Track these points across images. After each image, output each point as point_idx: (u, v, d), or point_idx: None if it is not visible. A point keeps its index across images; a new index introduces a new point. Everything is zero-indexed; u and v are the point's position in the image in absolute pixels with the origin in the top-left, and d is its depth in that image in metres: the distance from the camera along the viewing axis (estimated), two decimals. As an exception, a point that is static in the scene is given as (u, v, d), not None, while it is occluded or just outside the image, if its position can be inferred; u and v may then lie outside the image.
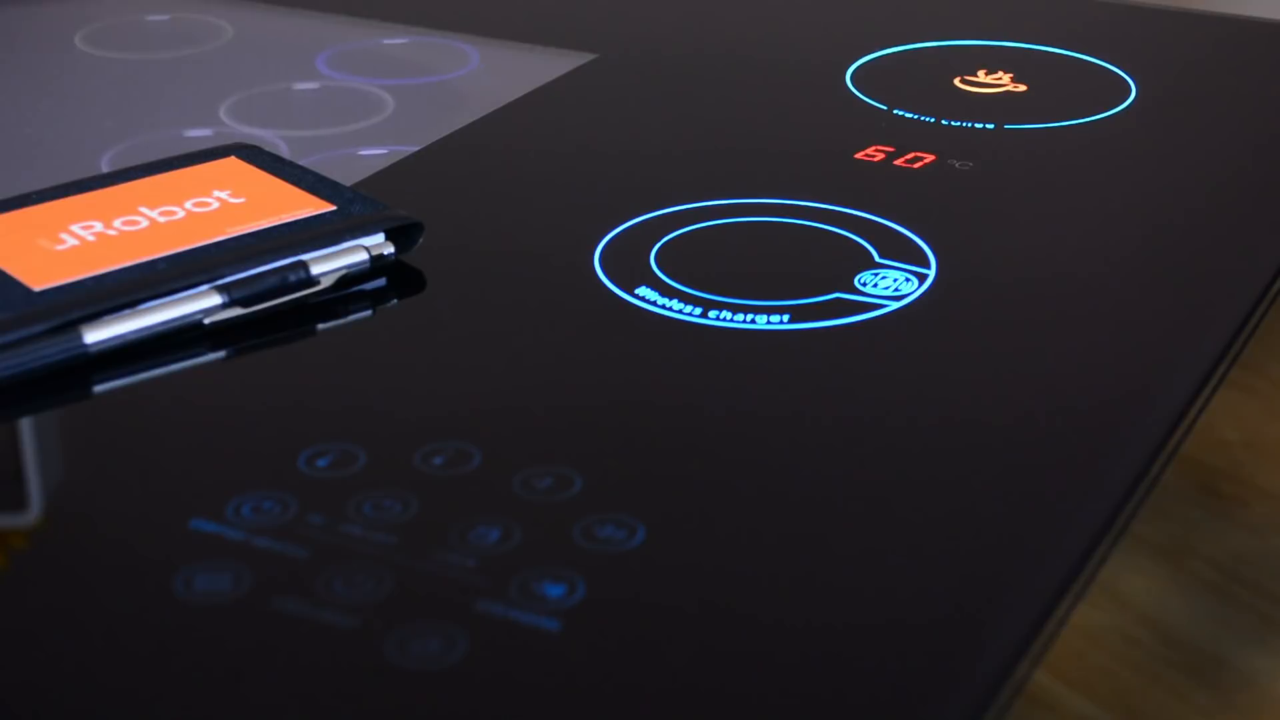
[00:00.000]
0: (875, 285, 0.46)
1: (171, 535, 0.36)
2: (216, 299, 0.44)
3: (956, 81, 0.62)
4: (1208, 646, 0.39)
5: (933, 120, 0.58)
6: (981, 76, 0.62)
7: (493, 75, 0.64)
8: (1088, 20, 0.70)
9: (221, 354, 0.44)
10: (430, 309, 0.46)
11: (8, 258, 0.44)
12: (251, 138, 0.57)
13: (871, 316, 0.45)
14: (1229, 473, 0.46)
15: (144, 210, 0.47)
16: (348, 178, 0.51)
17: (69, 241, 0.45)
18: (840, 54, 0.65)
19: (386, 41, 0.69)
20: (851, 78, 0.63)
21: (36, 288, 0.43)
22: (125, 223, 0.46)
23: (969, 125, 0.58)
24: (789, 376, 0.43)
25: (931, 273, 0.47)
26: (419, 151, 0.56)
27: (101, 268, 0.44)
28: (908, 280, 0.46)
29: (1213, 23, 0.70)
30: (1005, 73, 0.63)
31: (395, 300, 0.47)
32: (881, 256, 0.48)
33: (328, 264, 0.45)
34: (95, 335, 0.42)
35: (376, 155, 0.56)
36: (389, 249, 0.47)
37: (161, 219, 0.46)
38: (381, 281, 0.47)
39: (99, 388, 0.42)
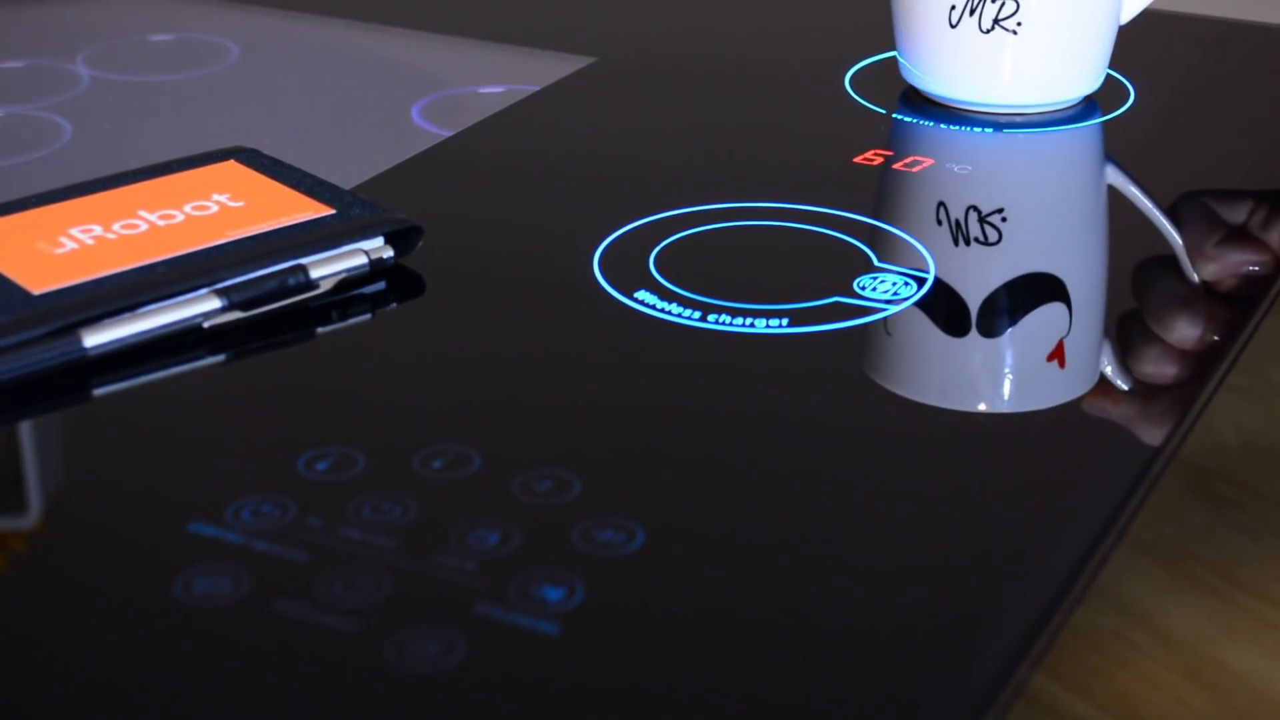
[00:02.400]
0: (874, 289, 0.46)
1: (171, 538, 0.36)
2: (216, 302, 0.44)
3: (955, 86, 0.62)
4: (1206, 649, 0.39)
5: (931, 124, 0.58)
6: (980, 81, 0.62)
7: (493, 79, 0.64)
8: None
9: (221, 357, 0.44)
10: (429, 312, 0.46)
11: (7, 261, 0.44)
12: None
13: (870, 320, 0.45)
14: (1228, 476, 0.46)
15: (143, 214, 0.47)
16: (345, 182, 0.51)
17: (68, 245, 0.45)
18: (839, 58, 0.65)
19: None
20: (850, 81, 0.63)
21: (36, 291, 0.43)
22: (124, 226, 0.46)
23: (967, 129, 0.58)
24: (788, 380, 0.43)
25: (930, 276, 0.47)
26: (419, 154, 0.56)
27: (101, 271, 0.44)
28: (906, 284, 0.46)
29: (1211, 27, 0.70)
30: (1004, 77, 0.63)
31: (394, 304, 0.47)
32: (880, 260, 0.48)
33: (327, 267, 0.45)
34: (95, 338, 0.42)
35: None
36: (388, 252, 0.47)
37: (160, 222, 0.46)
38: (381, 285, 0.47)
39: (98, 391, 0.42)
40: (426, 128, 0.59)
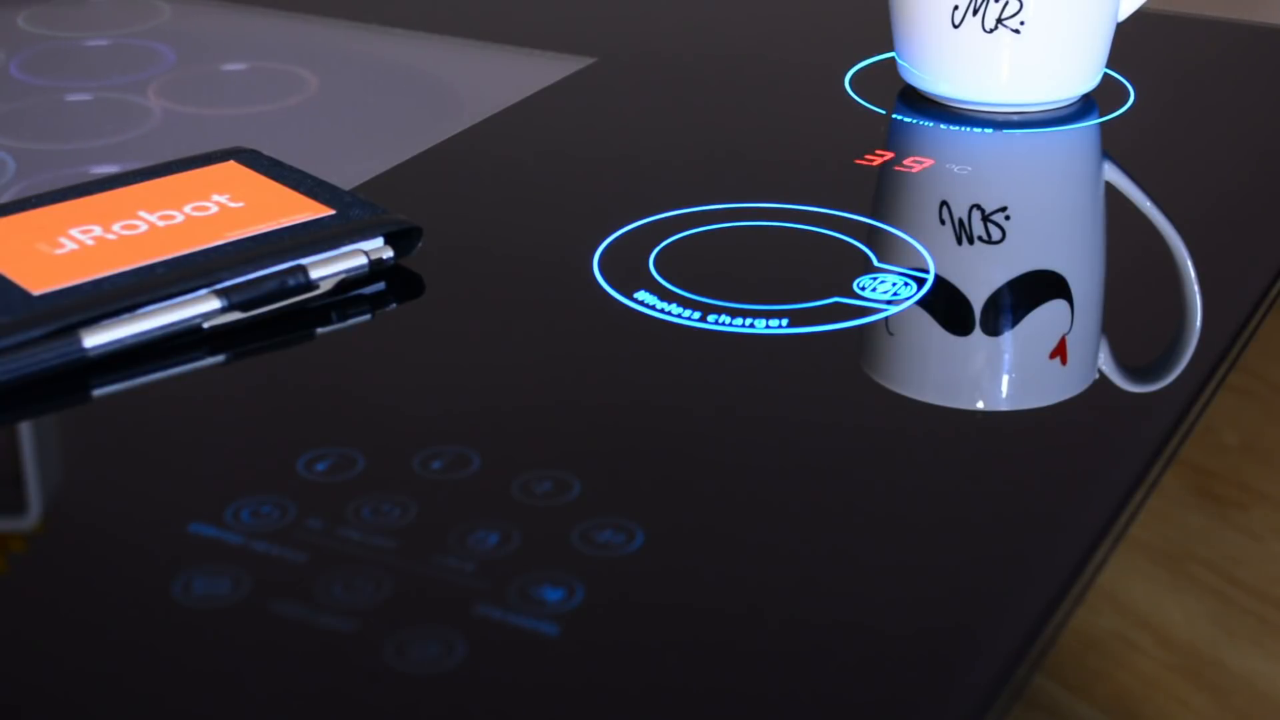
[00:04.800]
0: (874, 289, 0.46)
1: (170, 539, 0.36)
2: (215, 303, 0.44)
3: (955, 86, 0.62)
4: (1206, 650, 0.39)
5: (931, 124, 0.58)
6: (980, 81, 0.62)
7: (493, 79, 0.64)
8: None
9: (220, 358, 0.44)
10: (429, 313, 0.46)
11: (7, 262, 0.44)
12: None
13: (870, 320, 0.45)
14: (1228, 476, 0.46)
15: (143, 214, 0.47)
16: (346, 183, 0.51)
17: (68, 246, 0.45)
18: (839, 58, 0.65)
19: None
20: (851, 82, 0.63)
21: (36, 292, 0.43)
22: (124, 227, 0.46)
23: (967, 129, 0.58)
24: (787, 381, 0.43)
25: (930, 276, 0.47)
26: (418, 156, 0.56)
27: (100, 272, 0.44)
28: (906, 284, 0.46)
29: (1210, 28, 0.70)
30: (1004, 77, 0.63)
31: (394, 304, 0.47)
32: (880, 260, 0.48)
33: (326, 268, 0.45)
34: (94, 339, 0.42)
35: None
36: (388, 253, 0.47)
37: (160, 223, 0.46)
38: (380, 286, 0.47)
39: (98, 392, 0.42)
40: (425, 128, 0.59)
